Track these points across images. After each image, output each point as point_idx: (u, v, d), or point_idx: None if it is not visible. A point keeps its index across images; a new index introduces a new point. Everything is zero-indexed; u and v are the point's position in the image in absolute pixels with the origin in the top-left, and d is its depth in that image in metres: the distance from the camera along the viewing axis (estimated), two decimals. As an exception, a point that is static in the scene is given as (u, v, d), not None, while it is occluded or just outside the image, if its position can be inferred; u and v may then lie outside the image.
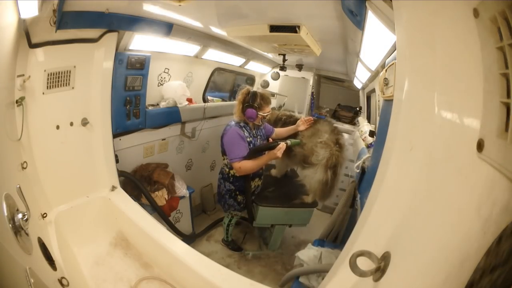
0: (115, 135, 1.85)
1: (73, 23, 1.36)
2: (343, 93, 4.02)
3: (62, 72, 1.44)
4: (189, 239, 2.33)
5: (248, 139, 1.95)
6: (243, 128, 1.96)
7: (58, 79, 1.43)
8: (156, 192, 2.03)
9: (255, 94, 1.93)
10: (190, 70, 2.60)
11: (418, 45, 0.65)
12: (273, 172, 2.51)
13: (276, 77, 3.72)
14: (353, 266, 0.59)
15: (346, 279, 0.73)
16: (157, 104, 2.31)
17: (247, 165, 1.86)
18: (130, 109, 1.98)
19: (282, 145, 1.87)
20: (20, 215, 0.87)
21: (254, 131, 2.04)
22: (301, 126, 2.08)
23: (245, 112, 1.92)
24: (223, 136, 1.97)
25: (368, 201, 0.72)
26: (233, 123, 1.98)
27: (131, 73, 1.91)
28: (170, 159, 2.49)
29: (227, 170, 2.07)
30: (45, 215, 1.33)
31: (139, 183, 1.93)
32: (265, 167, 2.35)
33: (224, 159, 2.04)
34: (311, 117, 2.12)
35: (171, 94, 2.33)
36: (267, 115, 1.99)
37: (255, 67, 3.50)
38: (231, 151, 1.89)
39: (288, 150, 2.15)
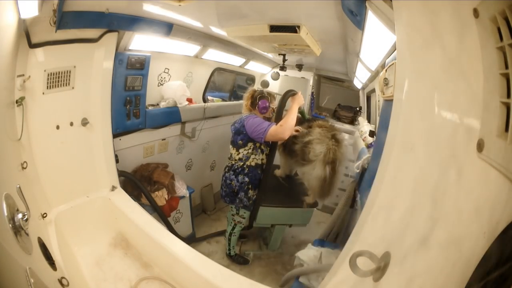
0: (115, 135, 1.84)
1: (73, 23, 1.36)
2: (343, 93, 4.02)
3: (62, 72, 1.44)
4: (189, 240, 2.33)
5: None
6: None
7: (58, 79, 1.43)
8: (156, 192, 2.03)
9: (262, 90, 2.11)
10: (190, 70, 2.60)
11: (418, 45, 0.65)
12: (277, 172, 2.50)
13: (276, 77, 3.72)
14: (353, 266, 0.59)
15: (346, 279, 0.73)
16: (157, 104, 2.31)
17: (285, 121, 1.83)
18: (130, 109, 1.98)
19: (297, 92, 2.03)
20: (20, 215, 0.87)
21: None
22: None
23: (259, 102, 2.04)
24: (244, 125, 1.97)
25: (368, 201, 0.72)
26: (246, 114, 2.07)
27: (131, 73, 1.90)
28: (170, 159, 2.49)
29: (240, 164, 2.05)
30: (45, 215, 1.33)
31: (139, 183, 1.93)
32: (268, 161, 2.19)
33: (238, 154, 2.04)
34: (298, 128, 2.10)
35: (171, 94, 2.33)
36: (275, 108, 2.13)
37: (255, 67, 3.50)
38: (260, 127, 1.89)
39: (289, 148, 2.13)
